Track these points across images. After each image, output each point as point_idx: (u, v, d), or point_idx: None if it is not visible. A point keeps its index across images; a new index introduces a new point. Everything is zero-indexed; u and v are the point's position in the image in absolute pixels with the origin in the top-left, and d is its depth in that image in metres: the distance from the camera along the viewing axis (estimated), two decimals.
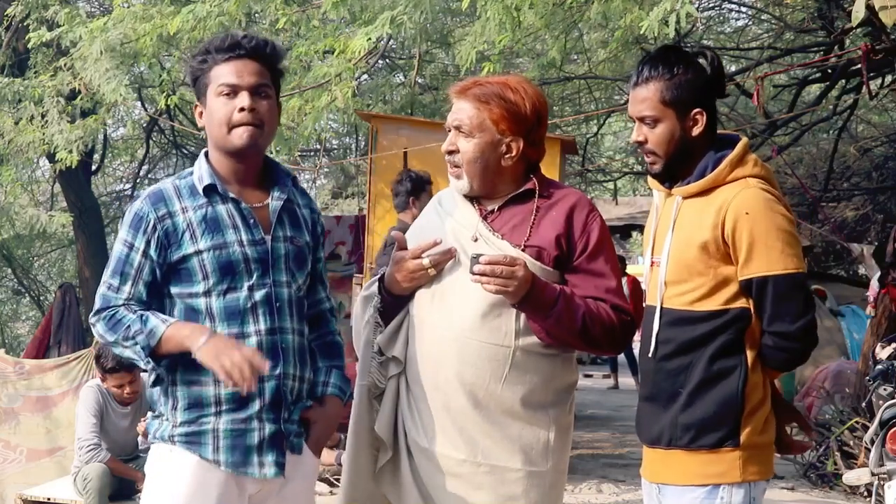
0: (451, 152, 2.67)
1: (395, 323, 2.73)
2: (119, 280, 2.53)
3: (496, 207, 2.71)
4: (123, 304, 2.52)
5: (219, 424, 2.51)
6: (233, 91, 2.50)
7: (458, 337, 2.60)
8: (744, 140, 2.59)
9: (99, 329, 2.55)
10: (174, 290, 2.55)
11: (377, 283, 2.76)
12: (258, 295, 2.54)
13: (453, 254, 2.63)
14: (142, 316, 2.49)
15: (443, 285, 2.66)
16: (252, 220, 2.57)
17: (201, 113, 2.60)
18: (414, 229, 2.87)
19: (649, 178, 2.70)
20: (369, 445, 2.72)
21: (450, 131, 2.68)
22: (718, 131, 2.64)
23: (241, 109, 2.49)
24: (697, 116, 2.55)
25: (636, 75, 2.57)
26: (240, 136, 2.51)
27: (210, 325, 2.51)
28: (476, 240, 2.65)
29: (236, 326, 2.52)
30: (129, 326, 2.48)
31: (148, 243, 2.51)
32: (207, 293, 2.52)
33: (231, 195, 2.56)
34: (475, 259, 2.52)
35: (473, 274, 2.53)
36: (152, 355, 2.47)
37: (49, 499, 5.54)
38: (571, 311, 2.57)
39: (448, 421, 2.61)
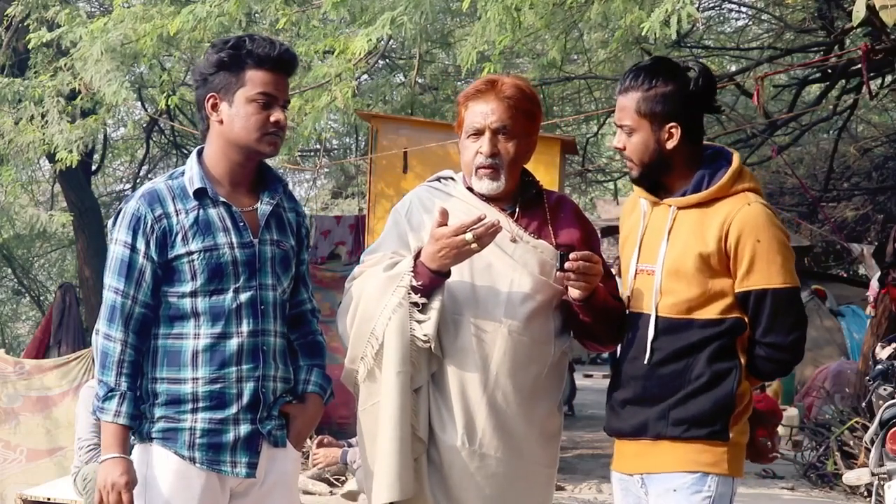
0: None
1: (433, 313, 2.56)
2: (125, 283, 2.54)
3: (515, 208, 2.71)
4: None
5: (196, 423, 2.55)
6: (269, 102, 2.56)
7: (510, 335, 2.59)
8: (737, 154, 2.64)
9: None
10: (162, 289, 2.58)
11: (410, 261, 2.58)
12: (243, 297, 2.58)
13: (498, 229, 2.53)
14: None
15: (485, 279, 2.61)
16: (242, 224, 2.60)
17: (215, 105, 2.58)
18: (404, 233, 2.72)
19: (635, 187, 2.72)
20: (412, 437, 2.55)
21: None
22: (704, 142, 2.66)
23: (276, 123, 2.57)
24: (672, 130, 2.55)
25: (620, 83, 2.60)
26: (269, 143, 2.59)
27: (194, 324, 2.55)
28: (515, 241, 2.64)
29: (220, 327, 2.56)
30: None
31: (147, 244, 2.54)
32: (194, 294, 2.55)
33: (221, 199, 2.59)
34: (564, 256, 2.52)
35: (563, 271, 2.52)
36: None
37: (49, 499, 5.54)
38: (608, 306, 2.63)
39: (493, 420, 2.58)
